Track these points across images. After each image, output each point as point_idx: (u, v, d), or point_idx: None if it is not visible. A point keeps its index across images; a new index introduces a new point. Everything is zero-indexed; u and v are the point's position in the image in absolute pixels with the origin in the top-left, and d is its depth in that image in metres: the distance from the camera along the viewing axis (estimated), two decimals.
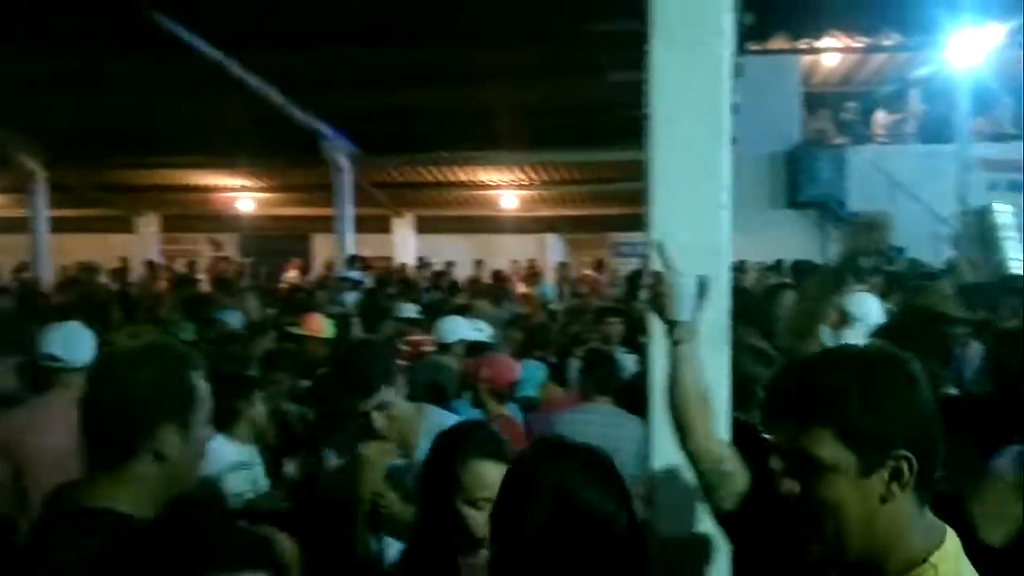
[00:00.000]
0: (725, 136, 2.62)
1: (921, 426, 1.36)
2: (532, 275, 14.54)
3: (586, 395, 4.29)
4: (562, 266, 15.75)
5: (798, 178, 15.04)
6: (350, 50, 9.10)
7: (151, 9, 7.67)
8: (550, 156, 13.33)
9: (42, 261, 13.64)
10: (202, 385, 1.65)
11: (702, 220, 2.58)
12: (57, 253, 14.37)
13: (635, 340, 5.41)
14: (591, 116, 10.75)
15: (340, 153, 12.24)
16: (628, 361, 5.11)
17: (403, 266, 15.17)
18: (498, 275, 13.75)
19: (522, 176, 14.98)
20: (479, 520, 2.02)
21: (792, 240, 13.45)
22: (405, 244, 18.19)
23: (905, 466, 1.33)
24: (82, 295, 9.96)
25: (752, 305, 4.45)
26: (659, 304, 2.15)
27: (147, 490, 1.55)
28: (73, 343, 3.78)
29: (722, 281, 2.54)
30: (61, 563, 1.44)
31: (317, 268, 15.81)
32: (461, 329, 5.60)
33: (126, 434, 1.56)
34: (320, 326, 5.81)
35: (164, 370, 1.59)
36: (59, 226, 14.41)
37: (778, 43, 13.81)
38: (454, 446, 2.19)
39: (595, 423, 3.95)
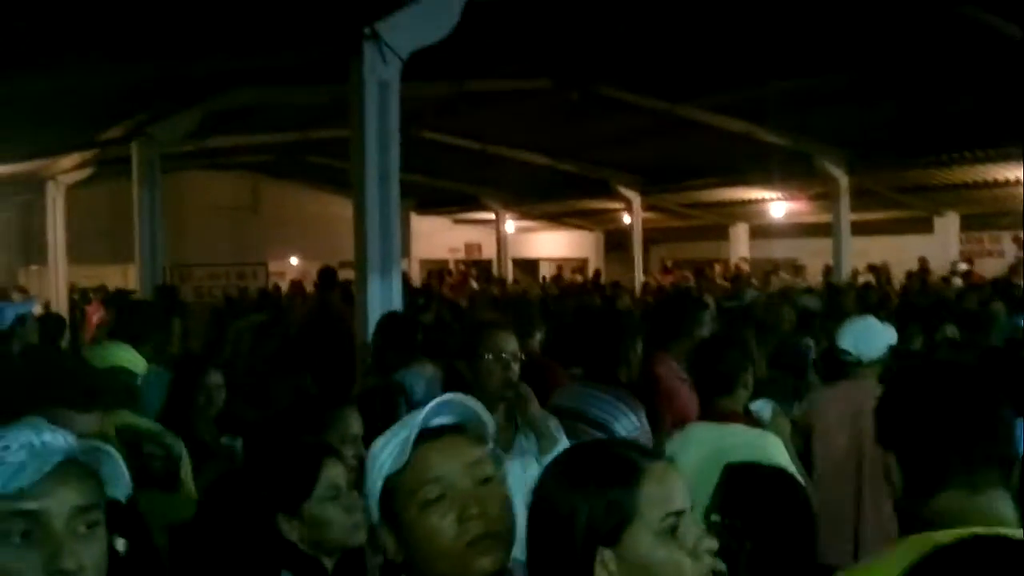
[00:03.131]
0: None
1: None
2: None
3: None
4: None
5: None
6: None
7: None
8: None
9: (843, 263, 14.41)
10: None
11: None
12: (858, 255, 15.04)
13: None
14: None
15: None
16: None
17: None
18: None
19: None
20: None
21: None
22: None
23: None
24: (880, 297, 10.16)
25: None
26: None
27: None
28: (866, 340, 3.99)
29: None
30: None
31: None
32: None
33: None
34: None
35: None
36: (860, 229, 15.06)
37: None
38: None
39: None
